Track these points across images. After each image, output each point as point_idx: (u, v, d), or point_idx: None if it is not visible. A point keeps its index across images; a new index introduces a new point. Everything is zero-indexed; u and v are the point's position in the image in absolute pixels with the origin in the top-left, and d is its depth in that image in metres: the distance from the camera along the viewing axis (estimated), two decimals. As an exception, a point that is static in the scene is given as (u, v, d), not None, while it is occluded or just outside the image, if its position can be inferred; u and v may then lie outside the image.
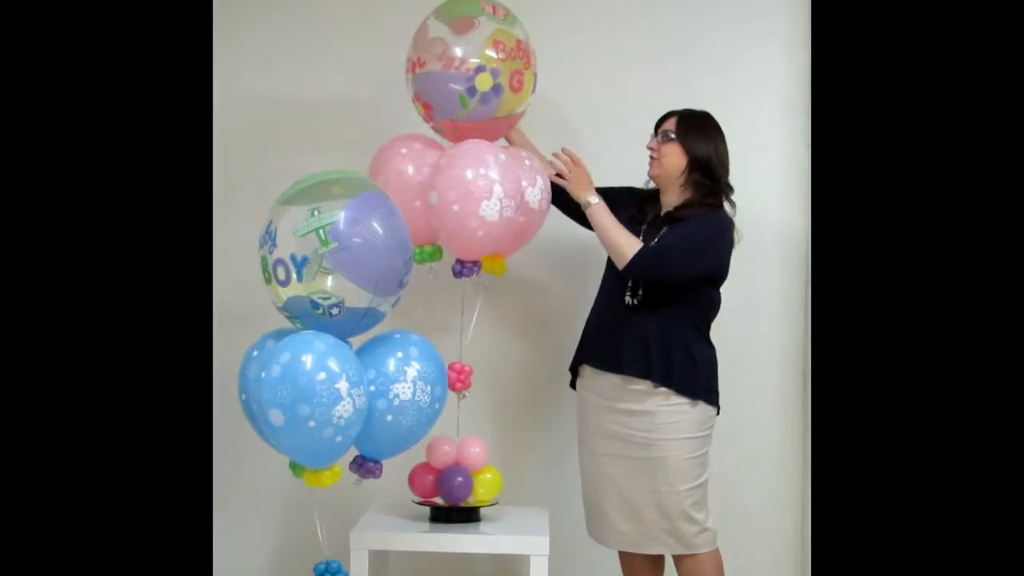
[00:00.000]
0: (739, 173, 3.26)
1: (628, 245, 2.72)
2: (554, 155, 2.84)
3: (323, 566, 2.50)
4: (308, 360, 2.28)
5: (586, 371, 2.87)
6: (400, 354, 2.48)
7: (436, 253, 2.83)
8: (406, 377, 2.46)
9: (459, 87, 2.72)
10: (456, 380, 2.84)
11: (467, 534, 2.74)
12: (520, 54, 2.76)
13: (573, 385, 2.95)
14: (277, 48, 3.36)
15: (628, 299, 2.78)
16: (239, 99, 3.28)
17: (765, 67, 3.29)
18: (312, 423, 2.26)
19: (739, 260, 3.24)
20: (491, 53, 2.71)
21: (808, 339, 3.24)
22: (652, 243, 2.74)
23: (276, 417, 2.26)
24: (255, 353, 2.44)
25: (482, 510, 2.85)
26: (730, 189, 2.86)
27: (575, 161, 2.82)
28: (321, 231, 2.31)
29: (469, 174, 2.65)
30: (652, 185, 2.92)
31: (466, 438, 2.85)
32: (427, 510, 2.82)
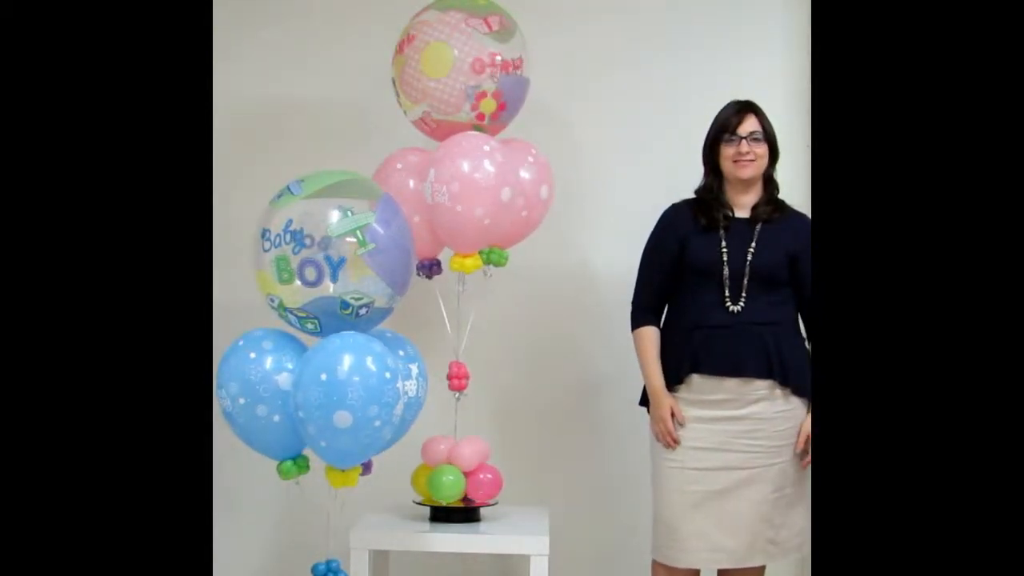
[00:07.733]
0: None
1: None
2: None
3: (323, 566, 2.50)
4: (374, 361, 2.28)
5: (693, 381, 2.72)
6: (403, 352, 2.48)
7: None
8: (411, 374, 2.46)
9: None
10: (454, 380, 2.84)
11: (467, 534, 2.74)
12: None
13: (644, 403, 2.83)
14: (277, 47, 3.36)
15: (731, 306, 2.69)
16: (238, 96, 3.28)
17: (765, 67, 3.30)
18: (378, 423, 2.27)
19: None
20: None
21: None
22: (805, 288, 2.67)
23: (343, 419, 2.24)
24: (252, 355, 2.38)
25: (482, 510, 2.85)
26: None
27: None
28: (359, 232, 2.31)
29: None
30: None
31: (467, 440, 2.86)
32: (427, 510, 2.83)
